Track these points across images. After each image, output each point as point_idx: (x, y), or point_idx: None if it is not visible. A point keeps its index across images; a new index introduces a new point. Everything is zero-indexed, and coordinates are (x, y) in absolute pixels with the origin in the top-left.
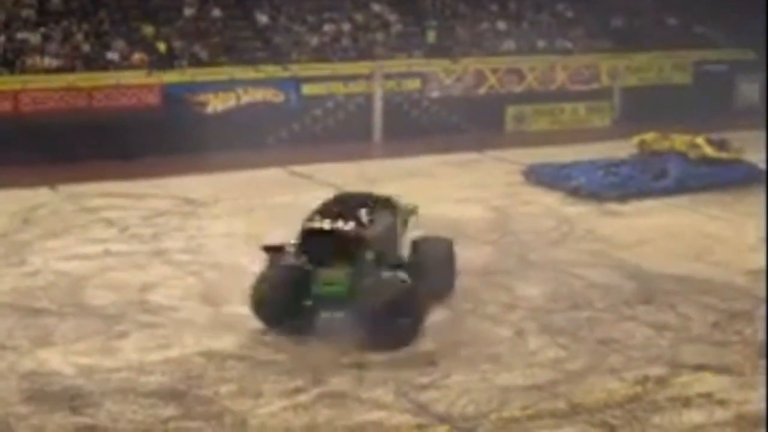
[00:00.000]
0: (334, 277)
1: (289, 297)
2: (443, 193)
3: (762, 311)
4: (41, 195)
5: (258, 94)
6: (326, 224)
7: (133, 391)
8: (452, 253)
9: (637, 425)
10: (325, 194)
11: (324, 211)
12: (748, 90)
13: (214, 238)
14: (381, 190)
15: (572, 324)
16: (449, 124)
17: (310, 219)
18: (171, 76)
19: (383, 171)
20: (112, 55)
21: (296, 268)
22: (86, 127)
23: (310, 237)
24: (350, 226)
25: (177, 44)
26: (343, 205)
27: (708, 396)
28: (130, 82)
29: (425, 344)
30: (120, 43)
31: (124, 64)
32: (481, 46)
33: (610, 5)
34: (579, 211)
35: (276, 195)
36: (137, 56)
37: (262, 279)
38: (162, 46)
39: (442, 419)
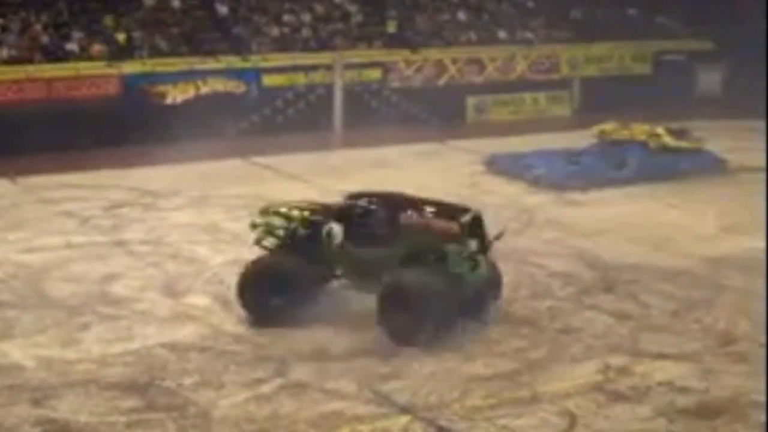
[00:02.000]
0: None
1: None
2: (405, 184)
3: (722, 300)
4: (0, 187)
5: (218, 85)
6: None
7: (94, 383)
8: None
9: (599, 414)
10: (287, 185)
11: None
12: (708, 80)
13: (175, 229)
14: (343, 180)
15: (533, 313)
16: (410, 114)
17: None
18: (130, 67)
19: (345, 161)
20: (71, 46)
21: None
22: (45, 118)
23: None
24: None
25: (136, 35)
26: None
27: (669, 384)
28: (90, 73)
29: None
30: (79, 34)
31: (84, 54)
32: (442, 37)
33: None
34: (540, 200)
35: (237, 186)
36: (96, 47)
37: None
38: (121, 37)
39: (405, 409)
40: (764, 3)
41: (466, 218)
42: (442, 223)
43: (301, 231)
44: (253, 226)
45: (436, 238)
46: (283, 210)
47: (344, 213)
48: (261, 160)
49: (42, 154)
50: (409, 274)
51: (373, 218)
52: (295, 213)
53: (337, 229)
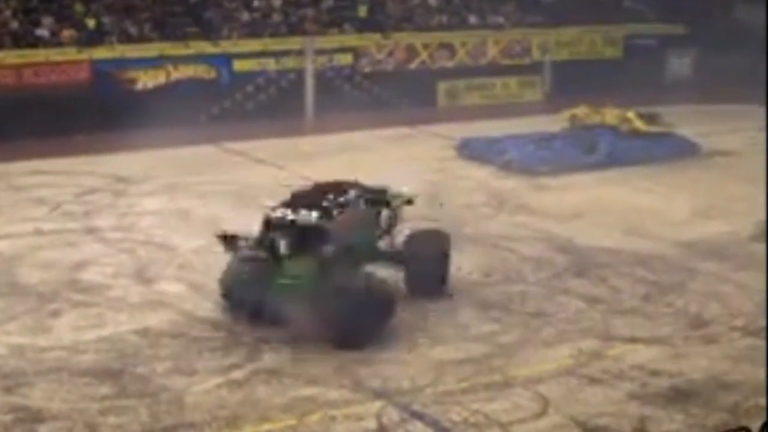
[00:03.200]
0: (295, 270)
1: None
2: (376, 169)
3: (693, 284)
4: None
5: (189, 71)
6: (288, 214)
7: (67, 370)
8: (447, 249)
9: (570, 397)
10: (259, 171)
11: (292, 201)
12: (679, 64)
13: (146, 216)
14: (314, 165)
15: (505, 298)
16: (381, 99)
17: (274, 209)
18: (101, 53)
19: (316, 146)
20: (41, 32)
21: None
22: (15, 104)
23: (272, 228)
24: (312, 216)
25: (107, 20)
26: (315, 194)
27: (641, 368)
28: (60, 59)
29: None
30: (49, 20)
31: (54, 40)
32: (413, 21)
33: None
34: (511, 185)
35: (208, 172)
36: (66, 33)
37: (227, 271)
38: (91, 23)
39: (378, 394)
40: None
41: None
42: None
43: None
44: None
45: None
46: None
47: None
48: (232, 146)
49: (12, 141)
50: None
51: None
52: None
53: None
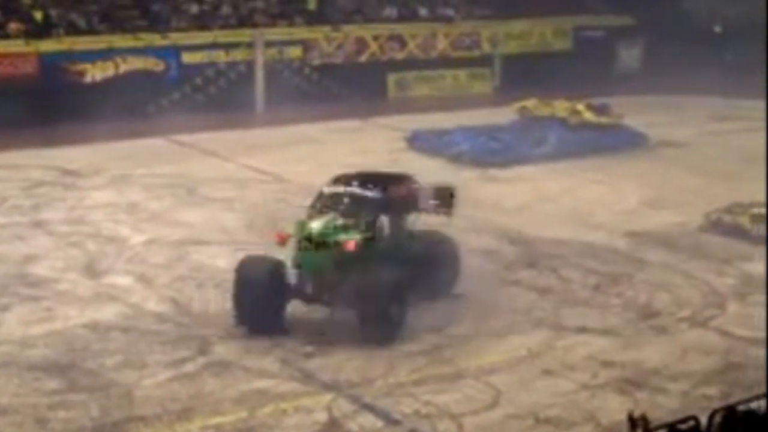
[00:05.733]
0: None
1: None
2: (327, 161)
3: (642, 274)
4: None
5: (137, 63)
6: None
7: (16, 364)
8: (456, 254)
9: (522, 388)
10: (208, 163)
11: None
12: (627, 56)
13: (96, 209)
14: (265, 158)
15: (455, 289)
16: (331, 91)
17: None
18: (48, 45)
19: (267, 139)
20: None
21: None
22: None
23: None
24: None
25: (54, 12)
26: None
27: (592, 358)
28: (7, 51)
29: (312, 313)
30: None
31: (0, 33)
32: (363, 14)
33: None
34: (461, 177)
35: (158, 164)
36: (13, 25)
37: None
38: (39, 15)
39: (328, 387)
40: None
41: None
42: None
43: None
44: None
45: None
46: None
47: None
48: (182, 139)
49: None
50: None
51: None
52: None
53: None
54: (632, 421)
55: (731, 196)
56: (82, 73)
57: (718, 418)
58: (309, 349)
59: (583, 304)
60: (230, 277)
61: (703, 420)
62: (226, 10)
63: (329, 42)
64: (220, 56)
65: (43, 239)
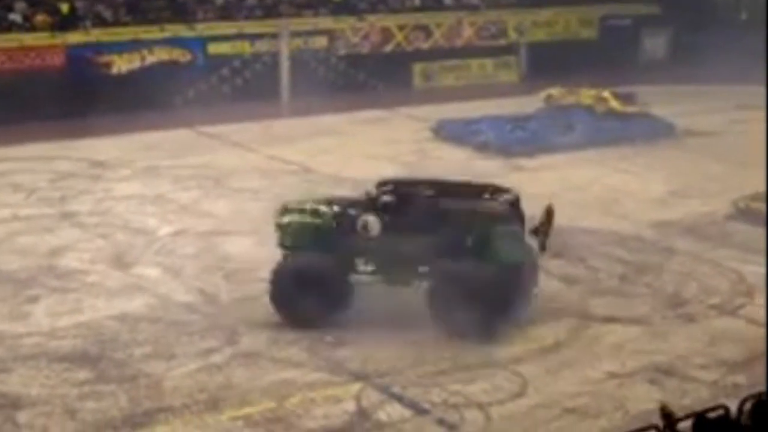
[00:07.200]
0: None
1: None
2: (353, 151)
3: (670, 263)
4: None
5: (163, 54)
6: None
7: (45, 355)
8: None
9: (549, 377)
10: (235, 154)
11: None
12: (653, 44)
13: (123, 201)
14: (290, 149)
15: None
16: (357, 81)
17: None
18: (75, 37)
19: (292, 130)
20: (15, 17)
21: None
22: None
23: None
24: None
25: (80, 4)
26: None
27: (619, 347)
28: (34, 44)
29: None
30: (22, 5)
31: (27, 25)
32: (388, 4)
33: None
34: (487, 165)
35: (184, 156)
36: (40, 17)
37: None
38: (65, 7)
39: (357, 376)
40: None
41: (507, 198)
42: (487, 205)
43: (331, 226)
44: (279, 226)
45: (483, 222)
46: (308, 206)
47: (382, 203)
48: (208, 130)
49: None
50: (460, 264)
51: (413, 206)
52: (323, 208)
53: (373, 220)
54: (666, 415)
55: (759, 185)
56: (108, 65)
57: (748, 406)
58: (336, 338)
59: (611, 293)
60: (256, 267)
61: (733, 408)
62: (251, 0)
63: (354, 32)
64: (246, 47)
65: (71, 231)
